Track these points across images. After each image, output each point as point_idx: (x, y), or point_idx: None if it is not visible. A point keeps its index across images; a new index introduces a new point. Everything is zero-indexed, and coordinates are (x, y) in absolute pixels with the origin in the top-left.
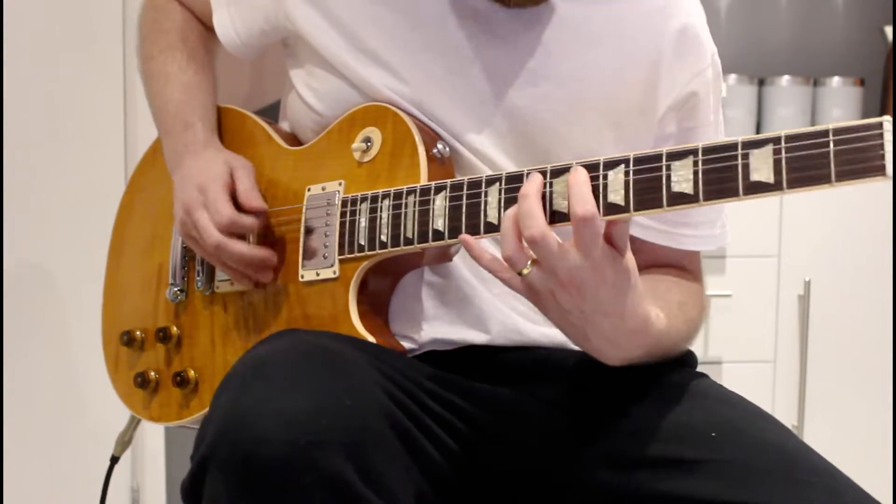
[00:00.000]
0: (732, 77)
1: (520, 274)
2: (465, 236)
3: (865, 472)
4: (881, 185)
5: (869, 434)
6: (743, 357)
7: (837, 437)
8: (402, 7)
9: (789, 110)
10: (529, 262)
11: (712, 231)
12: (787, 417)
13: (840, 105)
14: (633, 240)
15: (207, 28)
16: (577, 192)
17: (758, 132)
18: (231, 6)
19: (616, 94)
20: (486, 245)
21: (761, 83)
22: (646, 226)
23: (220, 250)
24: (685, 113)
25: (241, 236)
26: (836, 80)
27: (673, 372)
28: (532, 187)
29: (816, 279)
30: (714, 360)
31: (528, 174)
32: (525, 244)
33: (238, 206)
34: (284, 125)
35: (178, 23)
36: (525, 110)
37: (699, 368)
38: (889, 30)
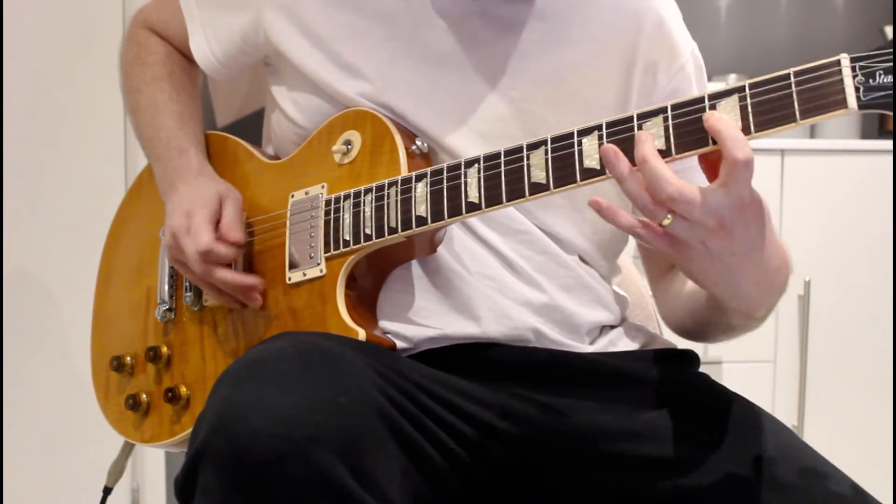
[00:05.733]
0: (732, 77)
1: (661, 226)
2: (597, 199)
3: (865, 472)
4: (881, 186)
5: (869, 434)
6: (743, 357)
7: (837, 437)
8: (378, 17)
9: None
10: (665, 211)
11: None
12: (787, 417)
13: None
14: None
15: (189, 60)
16: (735, 137)
17: None
18: (207, 29)
19: (592, 93)
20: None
21: None
22: None
23: (206, 276)
24: None
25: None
26: None
27: (674, 372)
28: (647, 148)
29: (816, 279)
30: (714, 360)
31: (631, 131)
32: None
33: (219, 234)
34: (269, 149)
35: (161, 56)
36: (504, 113)
37: (699, 369)
38: (889, 30)
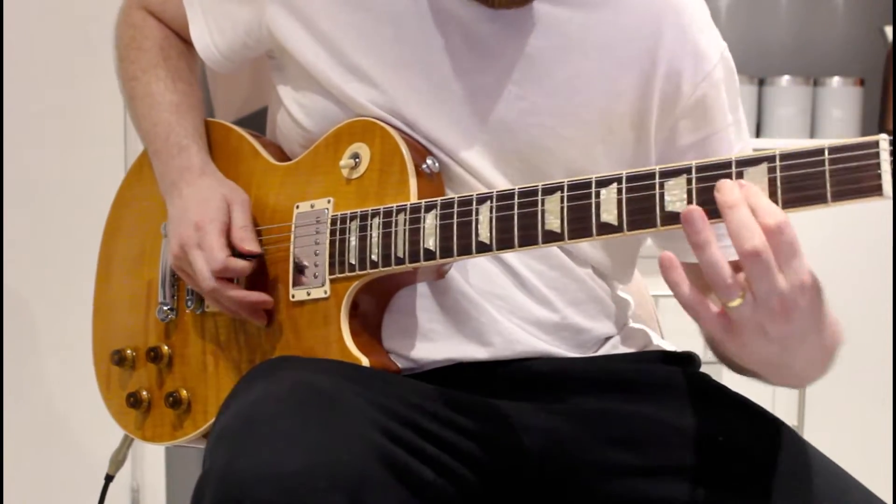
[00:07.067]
0: None
1: (727, 306)
2: (669, 255)
3: (865, 472)
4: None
5: (869, 434)
6: None
7: (837, 437)
8: (386, 17)
9: (789, 110)
10: (740, 292)
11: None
12: (787, 417)
13: (840, 105)
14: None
15: (187, 44)
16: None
17: (758, 132)
18: (209, 19)
19: (606, 104)
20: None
21: (761, 83)
22: None
23: (216, 294)
24: (698, 121)
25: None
26: (836, 80)
27: (676, 374)
28: (733, 195)
29: None
30: (714, 360)
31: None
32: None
33: (231, 242)
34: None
35: (157, 40)
36: (512, 124)
37: (700, 369)
38: (889, 30)
